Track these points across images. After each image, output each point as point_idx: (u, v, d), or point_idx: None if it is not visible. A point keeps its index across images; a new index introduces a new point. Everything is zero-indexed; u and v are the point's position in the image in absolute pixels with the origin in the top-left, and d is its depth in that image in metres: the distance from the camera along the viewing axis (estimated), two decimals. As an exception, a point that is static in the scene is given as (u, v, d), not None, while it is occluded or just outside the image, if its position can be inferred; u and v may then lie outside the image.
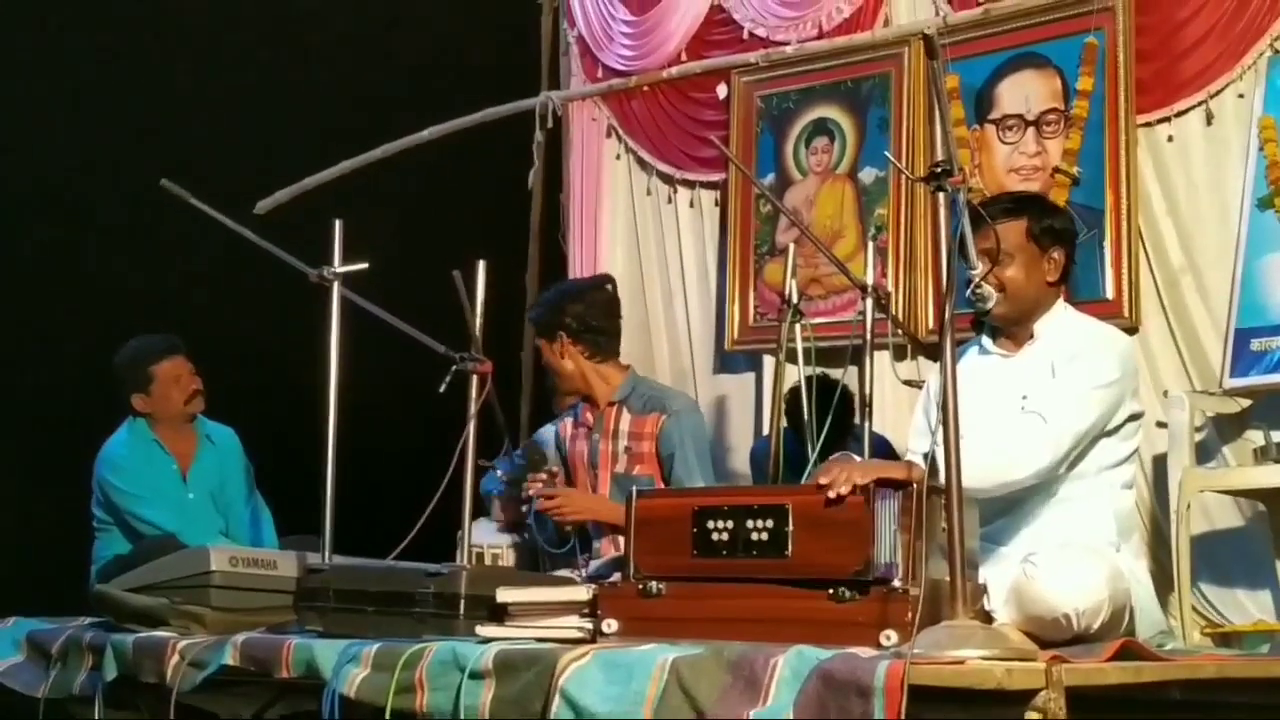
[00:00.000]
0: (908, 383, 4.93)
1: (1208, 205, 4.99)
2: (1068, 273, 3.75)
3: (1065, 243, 3.73)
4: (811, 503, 3.13)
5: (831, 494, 3.09)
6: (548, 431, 5.13)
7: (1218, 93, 4.96)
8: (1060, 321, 3.70)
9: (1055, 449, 3.47)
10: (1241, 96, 4.90)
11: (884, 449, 4.77)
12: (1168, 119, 5.05)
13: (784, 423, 4.43)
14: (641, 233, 6.45)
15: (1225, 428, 4.86)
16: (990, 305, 3.62)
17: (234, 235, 4.10)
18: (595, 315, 4.67)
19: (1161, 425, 4.70)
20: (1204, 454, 4.81)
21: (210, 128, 6.35)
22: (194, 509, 5.03)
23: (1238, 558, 4.85)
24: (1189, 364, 4.97)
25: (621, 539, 4.04)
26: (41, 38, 6.18)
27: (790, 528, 3.14)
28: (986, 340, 3.79)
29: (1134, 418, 3.64)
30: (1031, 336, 3.70)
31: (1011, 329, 3.72)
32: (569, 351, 4.65)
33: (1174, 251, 5.03)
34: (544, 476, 4.51)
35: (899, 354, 5.16)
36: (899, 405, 5.19)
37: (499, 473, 4.85)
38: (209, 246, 5.26)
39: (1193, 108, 5.01)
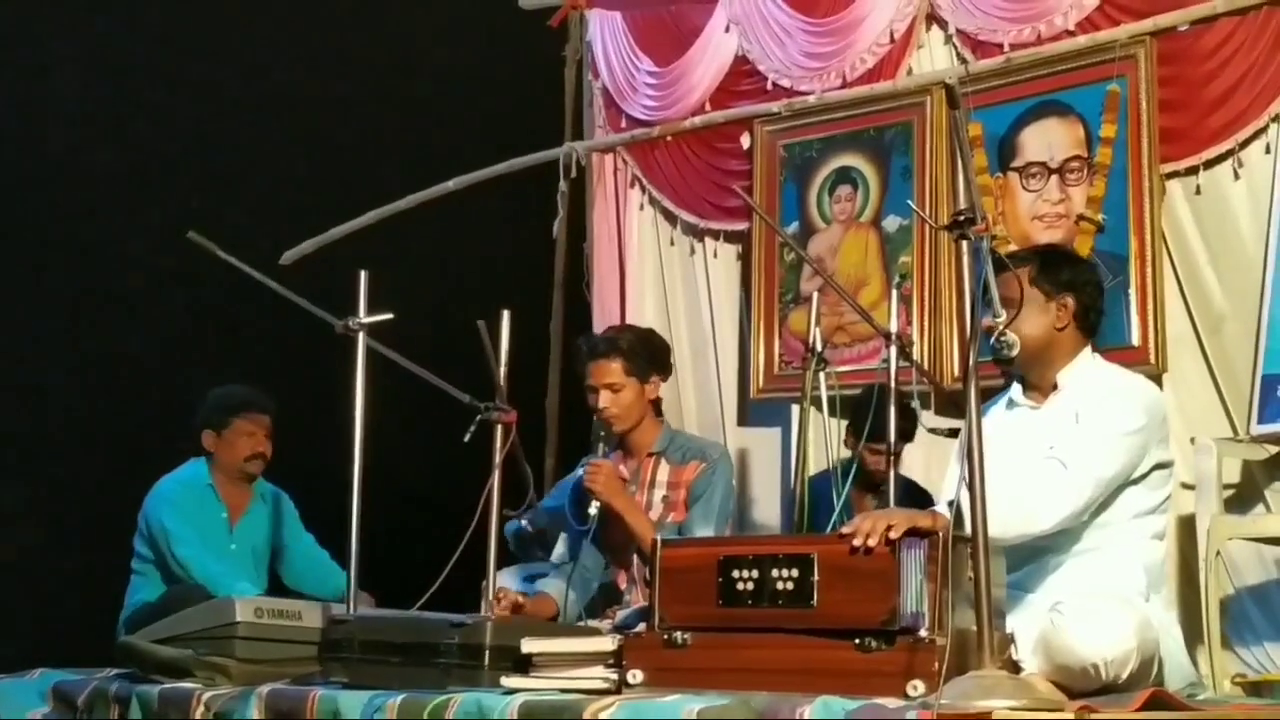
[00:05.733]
0: (933, 430, 4.92)
1: (1250, 252, 4.95)
2: (1087, 321, 3.71)
3: (1076, 290, 3.69)
4: (837, 552, 3.12)
5: (858, 542, 3.08)
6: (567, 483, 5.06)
7: (1247, 141, 4.95)
8: (1084, 370, 3.68)
9: (1077, 497, 3.45)
10: (1268, 151, 4.89)
11: (915, 493, 4.76)
12: (1196, 169, 5.04)
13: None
14: (669, 282, 6.46)
15: (1266, 475, 4.82)
16: (1014, 353, 3.60)
17: (259, 286, 4.13)
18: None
19: (1188, 487, 4.67)
20: (1249, 501, 4.78)
21: (234, 178, 6.40)
22: (234, 560, 5.06)
23: (1271, 606, 4.80)
24: (1232, 412, 4.94)
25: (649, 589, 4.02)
26: (67, 90, 6.25)
27: (816, 577, 3.13)
28: (1015, 392, 3.78)
29: (1161, 466, 3.60)
30: (1055, 387, 3.68)
31: (1035, 379, 3.71)
32: (654, 394, 4.62)
33: (1215, 298, 5.01)
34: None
35: (924, 402, 5.16)
36: (924, 453, 5.18)
37: (524, 523, 4.85)
38: (235, 297, 5.29)
39: (1224, 156, 5.00)
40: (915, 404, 4.32)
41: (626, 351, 4.58)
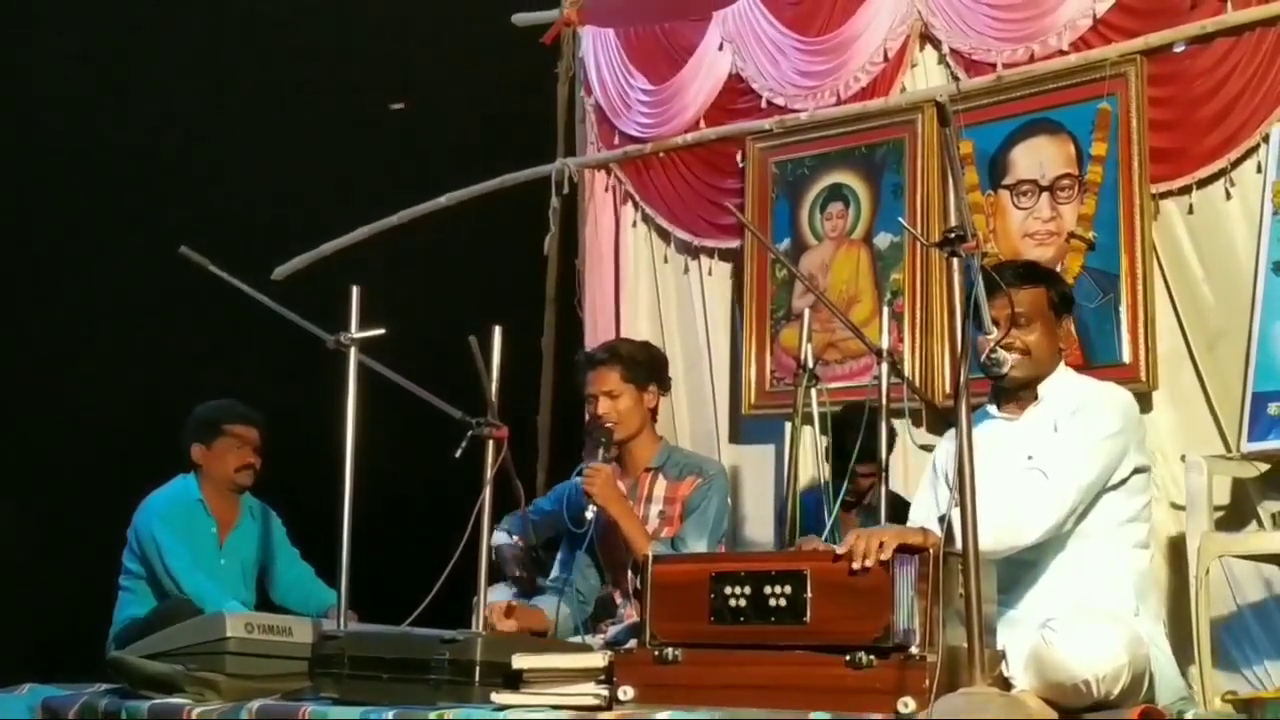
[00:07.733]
0: (924, 447, 4.92)
1: (1244, 270, 4.96)
2: (1071, 339, 3.84)
3: (1071, 311, 3.88)
4: (830, 568, 3.13)
5: (856, 564, 3.09)
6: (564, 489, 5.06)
7: (1239, 160, 4.97)
8: (1061, 381, 3.78)
9: (1061, 504, 3.49)
10: (1259, 170, 4.90)
11: (898, 505, 4.76)
12: (1189, 188, 5.05)
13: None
14: (663, 299, 6.46)
15: (1258, 492, 4.82)
16: (1006, 369, 3.65)
17: (251, 301, 4.13)
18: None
19: (1178, 508, 4.67)
20: (1241, 519, 4.78)
21: (227, 193, 6.40)
22: (224, 575, 5.06)
23: (1261, 623, 4.81)
24: (1225, 430, 4.94)
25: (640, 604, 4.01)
26: (58, 103, 6.25)
27: (809, 594, 3.13)
28: (991, 407, 3.82)
29: (1140, 470, 3.66)
30: (1036, 399, 3.74)
31: (1020, 393, 3.76)
32: (652, 404, 4.70)
33: (1211, 316, 5.01)
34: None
35: (915, 418, 5.16)
36: (916, 470, 5.18)
37: (512, 536, 4.84)
38: (226, 312, 5.29)
39: (1216, 175, 5.01)
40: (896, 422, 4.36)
41: (625, 359, 4.69)
